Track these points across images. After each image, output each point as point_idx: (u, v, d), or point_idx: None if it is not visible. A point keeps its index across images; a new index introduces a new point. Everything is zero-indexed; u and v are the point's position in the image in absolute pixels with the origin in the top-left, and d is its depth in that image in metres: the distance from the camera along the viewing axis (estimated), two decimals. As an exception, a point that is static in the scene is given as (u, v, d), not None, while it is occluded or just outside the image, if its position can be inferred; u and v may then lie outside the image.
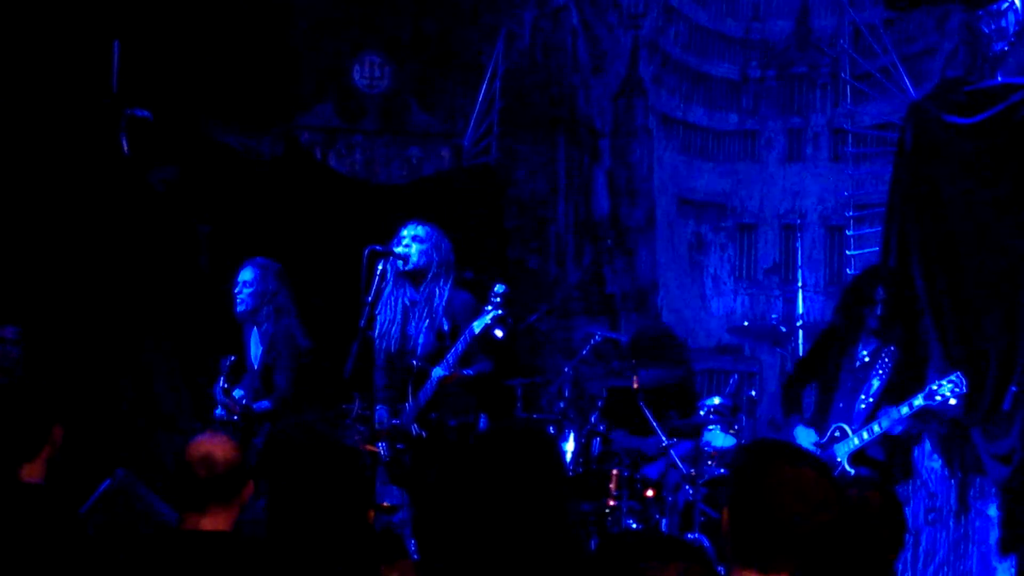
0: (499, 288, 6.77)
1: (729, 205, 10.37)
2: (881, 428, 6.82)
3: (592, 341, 8.87)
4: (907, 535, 7.50)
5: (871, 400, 6.99)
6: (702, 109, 10.49)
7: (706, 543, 7.15)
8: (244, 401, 7.55)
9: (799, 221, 9.75)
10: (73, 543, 4.13)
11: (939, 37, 9.09)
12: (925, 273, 7.68)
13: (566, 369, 8.80)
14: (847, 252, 9.32)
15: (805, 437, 7.10)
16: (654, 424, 7.94)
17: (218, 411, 7.56)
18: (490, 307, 6.76)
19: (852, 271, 8.98)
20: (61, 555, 4.09)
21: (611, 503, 7.79)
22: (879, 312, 7.04)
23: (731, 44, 10.39)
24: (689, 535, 7.38)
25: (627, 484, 7.85)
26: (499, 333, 6.84)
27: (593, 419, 8.22)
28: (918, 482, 7.95)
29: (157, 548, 3.82)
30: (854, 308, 7.17)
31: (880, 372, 7.04)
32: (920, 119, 7.91)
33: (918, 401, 6.69)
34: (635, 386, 8.12)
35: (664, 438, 7.90)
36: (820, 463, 2.99)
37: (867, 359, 7.15)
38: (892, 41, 9.10)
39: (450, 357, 6.95)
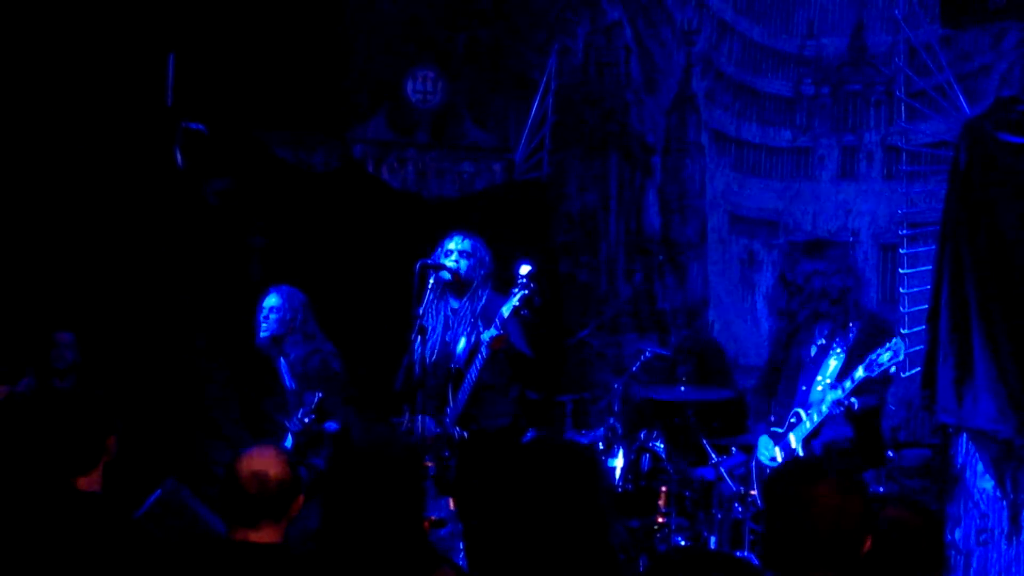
0: (524, 268, 6.63)
1: (781, 222, 10.33)
2: (828, 408, 6.95)
3: (643, 357, 8.83)
4: (958, 556, 7.47)
5: (828, 382, 7.07)
6: (755, 126, 10.45)
7: (755, 561, 7.11)
8: (308, 421, 7.37)
9: (852, 239, 9.67)
10: (133, 552, 4.12)
11: (995, 56, 9.03)
12: (979, 293, 7.61)
13: (616, 385, 8.75)
14: (900, 271, 9.24)
15: (765, 446, 7.29)
16: (703, 441, 7.91)
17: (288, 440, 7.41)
18: (516, 288, 6.65)
19: (905, 290, 8.92)
20: (120, 564, 4.08)
21: (660, 520, 7.76)
22: (834, 297, 7.16)
23: (785, 61, 10.36)
24: (738, 553, 7.35)
25: (676, 501, 7.83)
26: (528, 311, 6.69)
27: (642, 435, 8.19)
28: (969, 503, 7.88)
29: (208, 558, 3.82)
30: (801, 298, 7.30)
31: (838, 352, 7.15)
32: (974, 138, 7.84)
33: (859, 373, 6.80)
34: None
35: (713, 455, 7.87)
36: (845, 479, 3.26)
37: (823, 343, 7.25)
38: (947, 59, 9.04)
39: (496, 325, 6.76)
